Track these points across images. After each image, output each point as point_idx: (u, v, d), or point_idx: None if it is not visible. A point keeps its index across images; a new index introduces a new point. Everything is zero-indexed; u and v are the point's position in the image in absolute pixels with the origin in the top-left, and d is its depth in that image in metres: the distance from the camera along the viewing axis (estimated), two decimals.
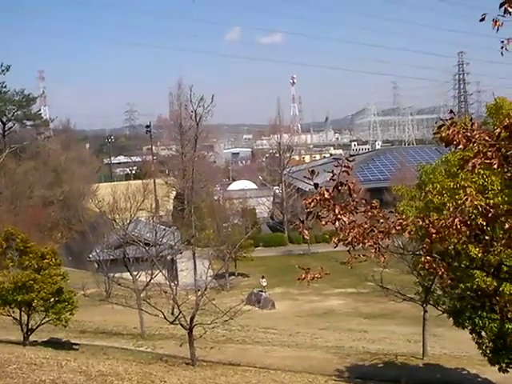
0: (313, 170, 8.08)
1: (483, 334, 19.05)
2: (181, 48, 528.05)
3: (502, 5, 7.16)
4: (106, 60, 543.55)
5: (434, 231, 8.32)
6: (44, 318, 25.68)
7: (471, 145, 7.30)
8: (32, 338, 26.18)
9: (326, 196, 7.76)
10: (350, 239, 8.04)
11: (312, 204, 7.82)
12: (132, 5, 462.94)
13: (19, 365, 18.85)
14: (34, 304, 25.07)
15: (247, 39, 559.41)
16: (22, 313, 25.35)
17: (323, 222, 8.01)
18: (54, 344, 27.18)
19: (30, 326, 25.76)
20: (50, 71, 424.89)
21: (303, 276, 8.77)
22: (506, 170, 7.55)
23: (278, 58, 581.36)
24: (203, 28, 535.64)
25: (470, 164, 7.26)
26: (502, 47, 7.37)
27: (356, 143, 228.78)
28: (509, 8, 7.15)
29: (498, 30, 7.31)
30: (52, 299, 25.18)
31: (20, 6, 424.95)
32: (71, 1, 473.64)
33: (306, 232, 8.22)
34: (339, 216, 7.82)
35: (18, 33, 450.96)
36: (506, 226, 8.18)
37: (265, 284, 49.06)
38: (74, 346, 27.50)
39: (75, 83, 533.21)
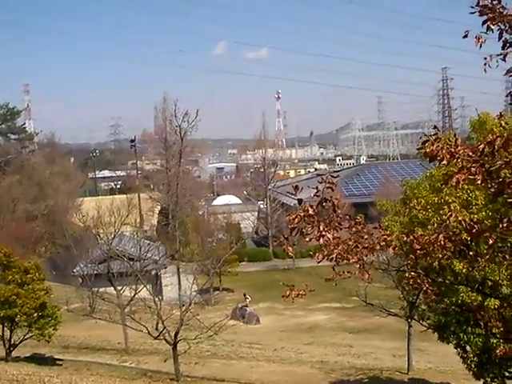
0: (297, 186, 8.07)
1: (468, 348, 19.09)
2: (166, 62, 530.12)
3: (484, 22, 7.23)
4: (91, 74, 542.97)
5: (419, 247, 8.33)
6: (27, 333, 25.52)
7: (455, 160, 7.32)
8: (15, 353, 25.98)
9: (310, 212, 7.75)
10: (334, 256, 8.03)
11: (296, 220, 7.81)
12: (118, 19, 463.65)
13: (1, 381, 18.70)
14: (16, 319, 24.91)
15: (233, 54, 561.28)
16: (5, 328, 25.18)
17: (307, 239, 8.00)
18: (37, 360, 26.97)
19: (12, 342, 25.58)
20: (35, 85, 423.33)
21: (287, 293, 8.75)
22: (489, 185, 7.58)
23: (263, 73, 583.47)
24: (189, 43, 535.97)
25: (454, 179, 7.28)
26: (485, 64, 7.42)
27: (341, 158, 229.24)
28: (491, 25, 7.21)
29: (480, 46, 7.36)
30: (35, 314, 25.02)
31: (4, 19, 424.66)
32: (57, 14, 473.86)
33: (290, 249, 8.21)
34: (323, 233, 7.81)
35: (2, 46, 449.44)
36: (490, 241, 8.20)
37: (249, 300, 48.80)
38: (58, 362, 27.30)
39: (60, 97, 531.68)
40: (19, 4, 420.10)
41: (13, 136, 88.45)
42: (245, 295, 49.03)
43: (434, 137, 7.50)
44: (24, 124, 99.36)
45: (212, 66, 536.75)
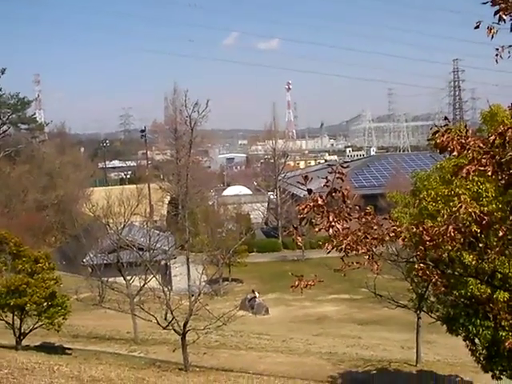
0: (306, 176, 8.06)
1: (477, 341, 19.02)
2: (177, 53, 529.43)
3: (496, 12, 7.16)
4: (101, 64, 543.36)
5: (428, 238, 8.30)
6: (37, 322, 25.61)
7: (465, 152, 7.28)
8: (24, 342, 26.09)
9: (319, 202, 7.73)
10: (343, 246, 8.01)
11: (305, 210, 7.79)
12: (128, 10, 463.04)
13: (10, 369, 18.79)
14: (26, 308, 25.00)
15: (244, 45, 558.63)
16: (15, 317, 25.28)
17: (317, 229, 7.98)
18: (47, 348, 27.08)
19: (22, 331, 25.68)
20: (46, 75, 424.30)
21: (296, 283, 8.73)
22: (500, 177, 7.53)
23: (274, 63, 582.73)
24: (200, 33, 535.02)
25: (464, 171, 7.24)
26: (497, 55, 7.37)
27: (351, 149, 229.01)
28: (503, 15, 7.15)
29: (492, 37, 7.30)
30: (45, 303, 25.11)
31: (17, 10, 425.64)
32: (68, 6, 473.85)
33: (300, 238, 8.19)
34: (333, 223, 7.79)
35: (14, 37, 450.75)
36: (500, 233, 8.17)
37: (257, 296, 48.47)
38: (67, 351, 27.41)
39: (70, 87, 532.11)
40: None
41: (23, 126, 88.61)
42: (253, 291, 48.92)
43: (444, 128, 7.46)
44: (34, 114, 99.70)
45: (223, 56, 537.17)
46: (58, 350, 27.17)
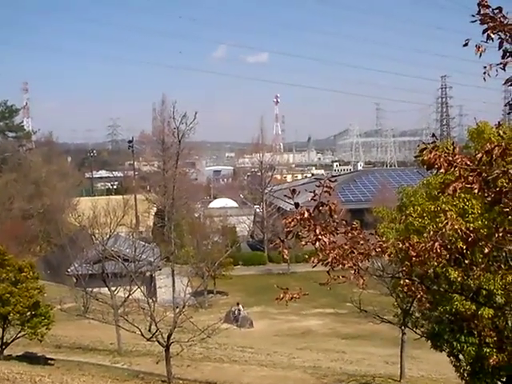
0: (294, 189, 8.07)
1: (461, 357, 19.03)
2: (165, 64, 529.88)
3: (484, 31, 7.22)
4: (89, 74, 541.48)
5: (414, 254, 8.33)
6: (19, 331, 25.47)
7: (452, 169, 7.32)
8: (6, 352, 25.92)
9: (306, 216, 7.75)
10: (329, 260, 8.01)
11: (292, 223, 7.80)
12: (117, 20, 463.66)
13: None
14: (9, 317, 24.86)
15: (233, 57, 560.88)
16: None
17: (303, 242, 7.99)
18: (29, 359, 26.88)
19: (4, 340, 25.54)
20: (34, 84, 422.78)
21: (281, 296, 8.73)
22: (486, 194, 7.57)
23: (262, 76, 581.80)
24: (189, 45, 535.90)
25: (450, 188, 7.27)
26: (485, 73, 7.42)
27: (338, 164, 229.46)
28: (491, 34, 7.21)
29: (480, 55, 7.36)
30: (28, 313, 24.98)
31: (6, 18, 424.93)
32: (56, 15, 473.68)
33: (286, 251, 8.19)
34: (319, 236, 7.80)
35: (3, 44, 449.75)
36: (486, 250, 8.20)
37: (241, 309, 48.31)
38: (50, 361, 27.21)
39: (59, 96, 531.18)
40: (21, 3, 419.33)
41: (10, 134, 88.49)
42: (238, 304, 48.81)
43: (431, 145, 7.50)
44: (22, 122, 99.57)
45: (212, 68, 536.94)
46: (40, 361, 26.97)
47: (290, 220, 7.84)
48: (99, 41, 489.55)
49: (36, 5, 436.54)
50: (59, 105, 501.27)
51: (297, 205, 7.92)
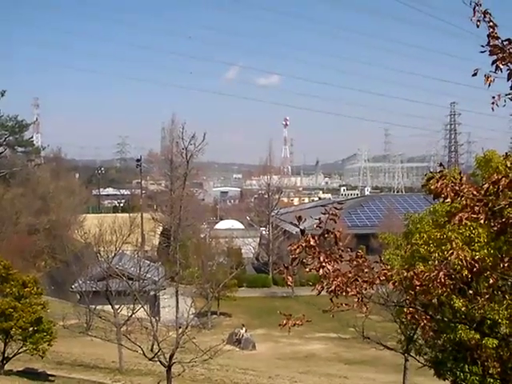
0: (300, 216, 8.08)
1: None
2: (176, 84, 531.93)
3: (493, 62, 7.28)
4: (101, 92, 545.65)
5: (419, 283, 8.31)
6: (21, 347, 25.44)
7: (459, 198, 7.33)
8: (7, 367, 25.87)
9: (311, 243, 7.75)
10: (333, 287, 8.00)
11: (297, 250, 7.81)
12: (128, 38, 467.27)
13: None
14: (11, 332, 24.83)
15: (244, 79, 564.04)
16: None
17: (307, 269, 7.99)
18: (30, 374, 26.83)
19: (6, 355, 25.48)
20: (45, 100, 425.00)
21: (284, 322, 8.71)
22: (492, 224, 7.57)
23: (272, 99, 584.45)
24: (200, 66, 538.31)
25: (457, 218, 7.28)
26: (493, 103, 7.46)
27: (345, 188, 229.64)
28: (500, 65, 7.26)
29: (489, 85, 7.41)
30: (31, 328, 24.96)
31: (18, 35, 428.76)
32: (68, 32, 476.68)
33: (290, 278, 8.18)
34: (324, 264, 7.80)
35: (14, 60, 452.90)
36: (491, 280, 8.19)
37: (244, 331, 48.16)
38: (50, 378, 27.17)
39: (69, 113, 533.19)
40: (33, 20, 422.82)
41: (20, 149, 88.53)
42: (243, 326, 48.67)
43: (439, 174, 7.51)
44: (32, 137, 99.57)
45: (222, 90, 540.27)
46: (40, 377, 26.92)
47: (295, 247, 7.85)
48: (111, 59, 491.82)
49: (49, 22, 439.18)
50: (69, 121, 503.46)
51: (302, 232, 7.92)
